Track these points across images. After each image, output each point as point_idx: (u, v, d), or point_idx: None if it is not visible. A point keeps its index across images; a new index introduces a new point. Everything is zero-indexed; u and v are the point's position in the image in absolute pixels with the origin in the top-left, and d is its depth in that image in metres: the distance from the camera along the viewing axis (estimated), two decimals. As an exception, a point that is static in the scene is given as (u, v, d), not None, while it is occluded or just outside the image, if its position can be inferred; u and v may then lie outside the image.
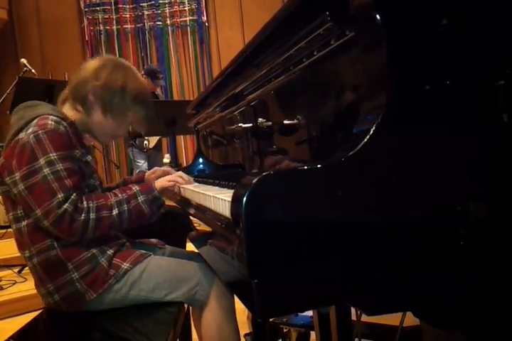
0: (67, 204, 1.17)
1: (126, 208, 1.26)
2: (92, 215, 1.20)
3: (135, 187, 1.32)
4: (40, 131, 1.22)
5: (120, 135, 1.50)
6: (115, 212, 1.25)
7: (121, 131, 1.47)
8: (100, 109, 1.38)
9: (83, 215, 1.19)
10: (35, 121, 1.26)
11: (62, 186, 1.19)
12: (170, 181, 1.39)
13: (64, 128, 1.26)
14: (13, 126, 1.30)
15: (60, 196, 1.17)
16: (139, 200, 1.29)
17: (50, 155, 1.21)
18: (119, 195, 1.28)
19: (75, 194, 1.19)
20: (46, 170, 1.19)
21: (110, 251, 1.31)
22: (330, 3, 0.80)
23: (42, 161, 1.20)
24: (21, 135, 1.25)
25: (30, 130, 1.24)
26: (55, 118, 1.27)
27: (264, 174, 0.63)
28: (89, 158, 1.38)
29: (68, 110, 1.40)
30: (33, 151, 1.21)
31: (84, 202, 1.21)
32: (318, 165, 0.65)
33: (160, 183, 1.37)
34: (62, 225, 1.18)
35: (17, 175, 1.22)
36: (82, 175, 1.30)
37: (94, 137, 1.47)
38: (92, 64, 1.39)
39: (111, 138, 1.51)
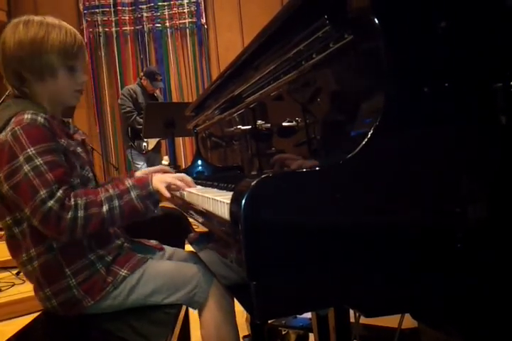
0: (52, 202, 1.12)
1: (117, 204, 1.19)
2: (80, 213, 1.14)
3: (128, 182, 1.24)
4: (16, 128, 1.18)
5: (81, 84, 1.36)
6: (105, 208, 1.17)
7: (79, 79, 1.34)
8: (38, 78, 1.27)
9: (70, 213, 1.13)
10: (13, 119, 1.21)
11: (43, 182, 1.13)
12: (169, 184, 1.29)
13: (43, 120, 1.20)
14: None
15: (42, 193, 1.12)
16: (132, 196, 1.21)
17: (28, 150, 1.15)
18: (110, 190, 1.21)
19: (61, 190, 1.14)
20: (26, 167, 1.14)
21: (109, 258, 1.29)
22: (328, 6, 0.81)
23: (21, 158, 1.15)
24: (1, 135, 1.20)
25: (8, 128, 1.19)
26: (31, 111, 1.21)
27: (263, 176, 0.64)
28: (78, 149, 1.32)
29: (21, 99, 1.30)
30: (11, 149, 1.17)
31: (72, 199, 1.14)
32: (317, 168, 0.66)
33: (157, 184, 1.26)
34: (49, 224, 1.13)
35: (1, 176, 1.18)
36: (70, 167, 1.23)
37: (66, 103, 1.38)
38: (3, 40, 1.27)
39: (76, 92, 1.37)
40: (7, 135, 1.18)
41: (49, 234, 1.18)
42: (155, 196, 1.25)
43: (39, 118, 1.20)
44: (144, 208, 1.23)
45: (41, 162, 1.15)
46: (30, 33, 1.25)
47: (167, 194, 1.27)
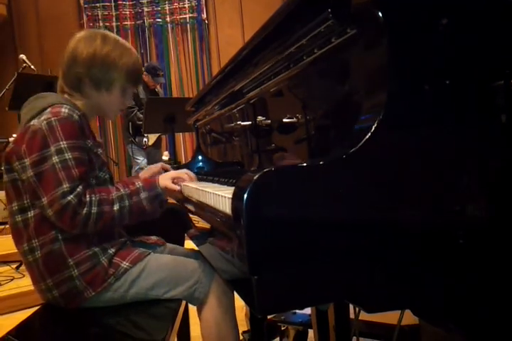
0: (71, 196, 1.17)
1: (127, 204, 1.26)
2: (94, 209, 1.20)
3: (138, 183, 1.31)
4: (53, 119, 1.23)
5: (127, 104, 1.50)
6: (116, 207, 1.24)
7: (126, 101, 1.47)
8: (94, 87, 1.37)
9: (85, 209, 1.18)
10: (49, 109, 1.26)
11: (68, 176, 1.18)
12: (174, 178, 1.37)
13: (78, 117, 1.26)
14: (24, 117, 1.29)
15: (65, 186, 1.17)
16: (141, 197, 1.29)
17: (61, 143, 1.21)
18: (121, 190, 1.28)
19: (81, 186, 1.19)
20: (55, 158, 1.19)
21: (112, 250, 1.31)
22: (331, 0, 0.80)
23: (52, 149, 1.20)
24: (33, 122, 1.25)
25: (43, 117, 1.24)
26: (68, 106, 1.27)
27: (265, 170, 0.63)
28: (99, 150, 1.37)
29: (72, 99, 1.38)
30: (44, 138, 1.21)
31: (87, 196, 1.20)
32: (321, 162, 0.65)
33: (164, 182, 1.34)
34: (65, 217, 1.17)
35: (27, 161, 1.22)
36: (91, 167, 1.29)
37: (104, 116, 1.51)
38: (70, 47, 1.37)
39: (119, 111, 1.51)
40: (41, 123, 1.23)
41: (62, 226, 1.22)
42: (162, 196, 1.34)
43: (74, 115, 1.26)
44: (151, 209, 1.31)
45: (70, 156, 1.21)
46: (105, 48, 1.36)
47: (176, 187, 1.35)
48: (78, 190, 1.18)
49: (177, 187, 1.35)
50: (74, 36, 1.40)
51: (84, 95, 1.37)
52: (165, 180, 1.35)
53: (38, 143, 1.21)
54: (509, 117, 0.71)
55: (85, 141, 1.29)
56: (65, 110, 1.25)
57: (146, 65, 5.19)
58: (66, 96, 1.38)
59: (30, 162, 1.21)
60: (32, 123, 1.25)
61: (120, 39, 1.43)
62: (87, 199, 1.19)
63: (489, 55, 0.73)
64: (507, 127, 0.71)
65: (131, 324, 1.22)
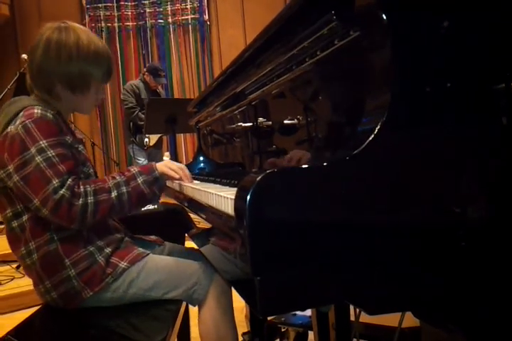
0: (63, 190, 1.15)
1: (125, 190, 1.24)
2: (90, 199, 1.18)
3: (134, 169, 1.29)
4: (27, 121, 1.21)
5: (100, 99, 1.46)
6: (114, 194, 1.22)
7: (99, 96, 1.43)
8: (69, 89, 1.33)
9: (81, 200, 1.16)
10: (22, 113, 1.24)
11: (56, 172, 1.17)
12: (172, 170, 1.34)
13: (52, 116, 1.25)
14: (0, 124, 1.28)
15: (55, 182, 1.15)
16: (139, 181, 1.26)
17: (40, 142, 1.19)
18: (117, 178, 1.26)
19: (70, 179, 1.17)
20: (38, 158, 1.18)
21: (108, 249, 1.30)
22: (335, 2, 0.80)
23: (33, 150, 1.18)
24: (10, 128, 1.23)
25: (17, 122, 1.22)
26: (40, 107, 1.25)
27: (268, 171, 0.64)
28: (80, 147, 1.36)
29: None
30: (22, 141, 1.19)
31: (81, 187, 1.18)
32: (324, 163, 0.65)
33: (162, 168, 1.32)
34: (61, 211, 1.16)
35: (10, 168, 1.20)
36: (75, 161, 1.27)
37: (79, 112, 1.47)
38: (41, 42, 1.31)
39: (94, 106, 1.49)
40: (17, 127, 1.21)
41: (61, 222, 1.20)
42: (160, 181, 1.31)
43: (48, 114, 1.25)
44: (150, 193, 1.28)
45: (53, 154, 1.19)
46: (82, 44, 1.30)
47: (175, 175, 1.34)
48: (68, 182, 1.16)
49: (177, 176, 1.34)
50: (42, 28, 1.33)
51: (55, 98, 1.33)
52: (164, 167, 1.32)
53: (17, 148, 1.20)
54: (510, 119, 0.71)
55: (65, 138, 1.27)
56: (37, 111, 1.23)
57: (147, 65, 5.19)
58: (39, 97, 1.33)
59: (14, 167, 1.20)
60: (9, 129, 1.23)
61: (89, 31, 1.37)
62: (81, 190, 1.17)
63: (490, 57, 0.74)
64: (508, 129, 0.71)
65: (131, 325, 1.22)
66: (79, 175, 1.25)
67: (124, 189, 1.24)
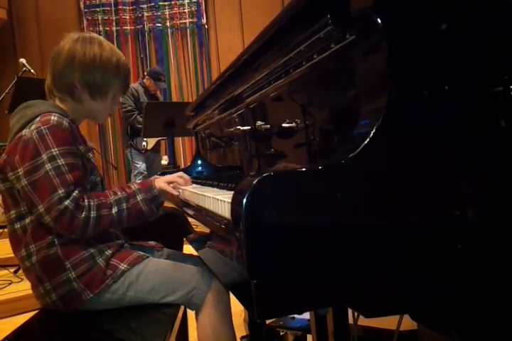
0: (68, 201, 1.17)
1: (125, 207, 1.26)
2: (93, 213, 1.20)
3: (134, 186, 1.32)
4: (43, 127, 1.23)
5: (114, 110, 1.51)
6: (114, 210, 1.25)
7: (115, 106, 1.48)
8: (88, 94, 1.37)
9: (84, 213, 1.19)
10: (38, 118, 1.26)
11: (63, 181, 1.19)
12: (170, 182, 1.37)
13: (67, 124, 1.27)
14: (14, 126, 1.30)
15: (60, 192, 1.17)
16: (138, 199, 1.29)
17: (52, 150, 1.21)
18: (119, 193, 1.28)
19: (76, 191, 1.19)
20: (48, 166, 1.20)
21: (108, 252, 1.31)
22: (331, 6, 0.81)
23: (44, 157, 1.21)
24: (24, 132, 1.25)
25: (33, 127, 1.24)
26: (57, 114, 1.27)
27: (264, 175, 0.64)
28: (90, 155, 1.38)
29: (59, 103, 1.38)
30: (36, 147, 1.22)
31: (86, 200, 1.20)
32: (319, 167, 0.66)
33: (160, 184, 1.34)
34: (63, 222, 1.18)
35: (20, 171, 1.22)
36: (84, 172, 1.30)
37: (92, 120, 1.51)
38: (65, 49, 1.35)
39: (108, 115, 1.52)
40: (32, 133, 1.23)
41: (61, 231, 1.22)
42: (159, 199, 1.34)
43: (64, 121, 1.27)
44: (148, 210, 1.31)
45: (63, 163, 1.21)
46: (104, 54, 1.36)
47: (174, 192, 1.36)
48: (74, 194, 1.19)
49: (175, 192, 1.36)
50: (66, 37, 1.37)
51: (76, 100, 1.37)
52: (162, 183, 1.35)
53: (29, 153, 1.22)
54: (508, 122, 0.71)
55: (78, 147, 1.29)
56: (54, 118, 1.25)
57: (148, 69, 5.19)
58: (57, 101, 1.38)
59: (24, 171, 1.22)
60: (23, 133, 1.25)
61: (112, 45, 1.43)
62: (86, 203, 1.20)
63: (488, 60, 0.74)
64: (506, 132, 0.71)
65: (129, 329, 1.22)
66: (85, 187, 1.28)
67: (124, 205, 1.27)
